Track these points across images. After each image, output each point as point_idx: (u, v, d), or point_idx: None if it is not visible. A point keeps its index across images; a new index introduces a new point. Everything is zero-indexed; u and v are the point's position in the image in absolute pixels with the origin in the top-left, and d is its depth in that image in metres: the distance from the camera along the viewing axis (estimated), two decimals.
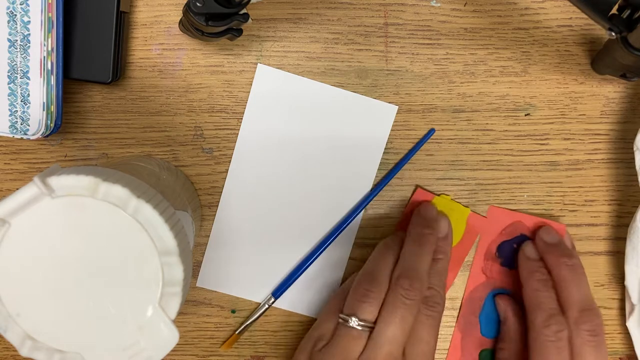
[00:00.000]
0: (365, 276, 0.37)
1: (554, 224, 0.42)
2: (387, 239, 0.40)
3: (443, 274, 0.39)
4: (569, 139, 0.42)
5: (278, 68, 0.41)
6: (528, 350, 0.38)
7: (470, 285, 0.43)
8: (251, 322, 0.43)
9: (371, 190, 0.42)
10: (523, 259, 0.41)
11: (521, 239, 0.42)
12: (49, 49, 0.37)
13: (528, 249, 0.41)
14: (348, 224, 0.42)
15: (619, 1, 0.32)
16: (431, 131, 0.42)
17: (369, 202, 0.42)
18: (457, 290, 0.43)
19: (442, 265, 0.39)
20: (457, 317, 0.43)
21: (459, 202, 0.43)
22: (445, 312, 0.41)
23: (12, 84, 0.38)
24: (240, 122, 0.42)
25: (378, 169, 0.42)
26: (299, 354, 0.38)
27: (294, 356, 0.38)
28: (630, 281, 0.41)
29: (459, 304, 0.43)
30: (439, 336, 0.43)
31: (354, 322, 0.35)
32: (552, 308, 0.38)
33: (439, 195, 0.42)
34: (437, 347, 0.43)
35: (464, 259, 0.43)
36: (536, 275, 0.40)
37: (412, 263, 0.37)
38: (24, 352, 0.29)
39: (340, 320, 0.36)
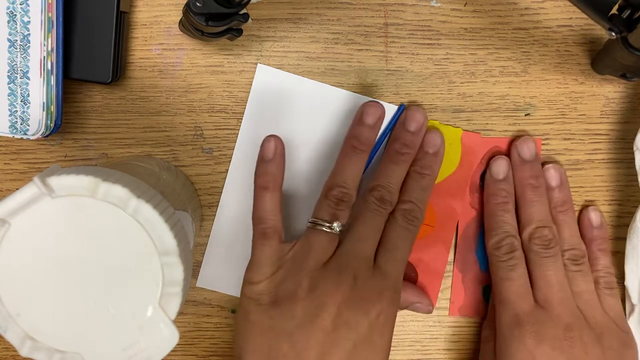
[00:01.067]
0: (336, 184, 0.37)
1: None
2: (352, 140, 0.39)
3: (427, 190, 0.39)
4: (569, 139, 0.42)
5: (278, 68, 0.41)
6: None
7: (462, 222, 0.42)
8: None
9: None
10: (488, 178, 0.41)
11: None
12: (49, 49, 0.37)
13: (494, 168, 0.40)
14: None
15: (619, 1, 0.32)
16: (401, 107, 0.41)
17: None
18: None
19: (427, 182, 0.39)
20: (454, 257, 0.43)
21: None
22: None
23: (12, 84, 0.38)
24: (240, 122, 0.42)
25: None
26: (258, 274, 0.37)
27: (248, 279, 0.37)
28: (630, 281, 0.41)
29: (454, 244, 0.42)
30: (442, 281, 0.42)
31: (336, 226, 0.36)
32: (505, 231, 0.39)
33: None
34: (442, 295, 0.43)
35: (468, 182, 0.41)
36: (495, 198, 0.40)
37: (385, 179, 0.38)
38: (24, 352, 0.29)
39: (311, 224, 0.37)
